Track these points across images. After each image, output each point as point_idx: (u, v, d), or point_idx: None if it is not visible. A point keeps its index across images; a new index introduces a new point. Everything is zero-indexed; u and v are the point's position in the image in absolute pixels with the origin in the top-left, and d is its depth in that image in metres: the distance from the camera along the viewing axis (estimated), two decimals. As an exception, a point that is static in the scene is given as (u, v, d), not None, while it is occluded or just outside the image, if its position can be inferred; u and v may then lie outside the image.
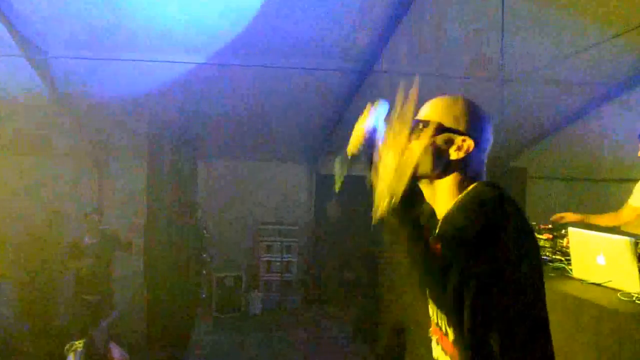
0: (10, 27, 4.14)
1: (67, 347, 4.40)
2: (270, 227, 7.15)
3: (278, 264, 7.08)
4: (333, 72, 5.28)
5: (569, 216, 3.75)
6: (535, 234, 3.38)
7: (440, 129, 1.34)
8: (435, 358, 1.44)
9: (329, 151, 7.04)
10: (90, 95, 5.34)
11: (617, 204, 4.05)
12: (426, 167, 1.34)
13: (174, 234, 5.23)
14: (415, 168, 1.30)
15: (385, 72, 5.31)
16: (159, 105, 5.54)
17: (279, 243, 7.08)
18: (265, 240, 7.07)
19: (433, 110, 1.38)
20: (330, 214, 6.91)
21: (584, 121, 6.37)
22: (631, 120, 5.46)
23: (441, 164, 1.34)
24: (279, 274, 7.07)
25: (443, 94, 1.43)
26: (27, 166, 6.21)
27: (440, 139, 1.34)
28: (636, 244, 2.40)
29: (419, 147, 1.31)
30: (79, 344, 4.49)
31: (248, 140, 6.67)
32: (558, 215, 3.79)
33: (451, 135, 1.34)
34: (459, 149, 1.34)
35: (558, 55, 4.98)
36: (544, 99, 6.04)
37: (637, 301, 2.26)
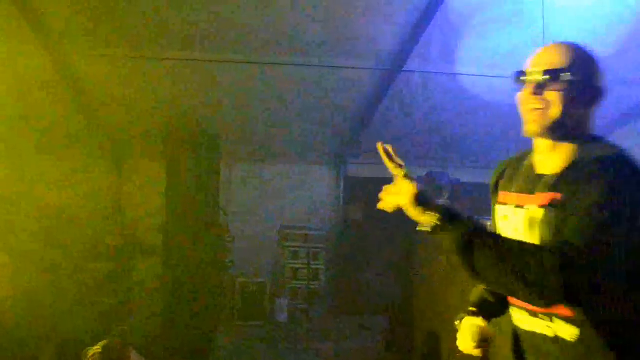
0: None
1: (84, 351, 4.23)
2: (296, 232, 6.90)
3: (304, 271, 6.82)
4: (362, 72, 5.13)
5: None
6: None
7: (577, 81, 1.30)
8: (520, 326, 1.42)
9: (357, 154, 6.80)
10: (111, 95, 5.23)
11: None
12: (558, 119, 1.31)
13: (195, 238, 5.05)
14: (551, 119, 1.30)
15: (413, 72, 5.14)
16: (181, 106, 5.42)
17: (305, 249, 6.84)
18: (291, 246, 6.83)
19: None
20: (353, 216, 6.68)
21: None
22: None
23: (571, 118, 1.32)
24: (306, 282, 6.82)
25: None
26: (46, 165, 6.09)
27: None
28: None
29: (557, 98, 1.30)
30: (97, 349, 4.34)
31: (274, 142, 6.50)
32: None
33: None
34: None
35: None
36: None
37: None
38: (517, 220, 1.37)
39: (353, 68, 5.06)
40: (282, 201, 7.11)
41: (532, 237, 1.28)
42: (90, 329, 4.83)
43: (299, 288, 6.82)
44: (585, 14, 4.34)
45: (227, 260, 6.38)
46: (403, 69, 5.04)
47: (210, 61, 4.74)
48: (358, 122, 6.14)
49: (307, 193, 7.24)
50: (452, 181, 6.24)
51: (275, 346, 5.71)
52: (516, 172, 1.46)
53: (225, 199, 6.68)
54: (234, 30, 4.44)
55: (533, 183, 1.36)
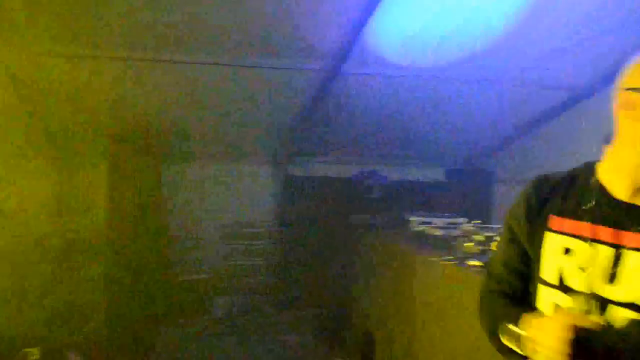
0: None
1: (19, 355, 4.24)
2: (237, 230, 7.05)
3: (246, 267, 6.98)
4: (301, 72, 5.25)
5: None
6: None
7: None
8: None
9: (296, 152, 6.99)
10: (57, 94, 5.18)
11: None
12: None
13: (137, 237, 5.12)
14: None
15: (353, 73, 5.33)
16: (126, 106, 5.42)
17: (246, 246, 6.99)
18: (233, 244, 6.97)
19: None
20: (291, 214, 6.87)
21: (554, 124, 6.48)
22: (598, 124, 5.54)
23: None
24: (247, 278, 6.97)
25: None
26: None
27: None
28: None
29: None
30: (34, 352, 4.33)
31: (214, 141, 6.58)
32: None
33: None
34: None
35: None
36: (515, 101, 6.11)
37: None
38: (600, 260, 1.14)
39: (292, 69, 5.18)
40: (222, 200, 7.21)
41: (633, 288, 1.09)
42: (32, 331, 4.83)
43: (241, 284, 6.97)
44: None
45: (169, 259, 6.45)
46: (342, 69, 5.20)
47: (155, 61, 4.75)
48: (297, 122, 6.30)
49: (247, 192, 7.36)
50: (383, 180, 6.49)
51: (217, 342, 5.81)
52: (574, 194, 1.26)
53: (166, 198, 6.75)
54: (174, 30, 4.45)
55: (621, 215, 1.15)
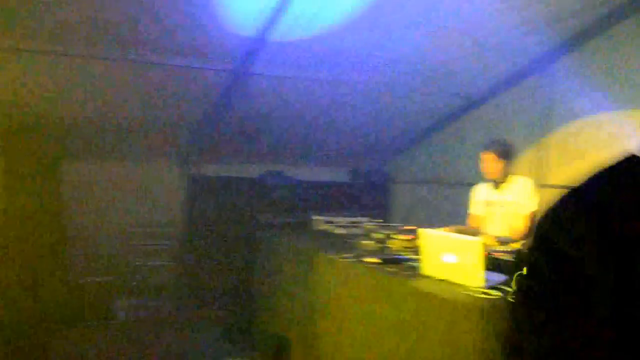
0: None
1: None
2: (140, 229, 6.92)
3: (148, 268, 6.87)
4: (209, 72, 5.26)
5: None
6: (399, 235, 3.60)
7: None
8: None
9: (203, 152, 6.98)
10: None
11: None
12: None
13: (36, 238, 4.92)
14: None
15: (259, 74, 5.41)
16: (25, 101, 5.18)
17: (149, 247, 6.89)
18: (135, 244, 6.84)
19: None
20: (198, 213, 6.85)
21: (451, 127, 6.89)
22: (490, 127, 5.99)
23: None
24: (151, 279, 6.87)
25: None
26: None
27: None
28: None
29: None
30: None
31: (116, 140, 6.42)
32: None
33: None
34: None
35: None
36: (413, 106, 6.44)
37: (478, 295, 2.49)
38: None
39: (200, 68, 5.18)
40: (127, 199, 7.06)
41: None
42: None
43: (144, 285, 6.86)
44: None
45: (69, 261, 6.23)
46: (251, 70, 5.25)
47: (55, 54, 4.58)
48: (205, 121, 6.29)
49: (153, 191, 7.25)
50: (289, 180, 6.63)
51: (119, 346, 5.69)
52: None
53: (68, 197, 6.51)
54: (77, 23, 4.32)
55: None
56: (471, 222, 4.38)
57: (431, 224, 4.09)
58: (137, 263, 6.83)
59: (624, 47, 4.73)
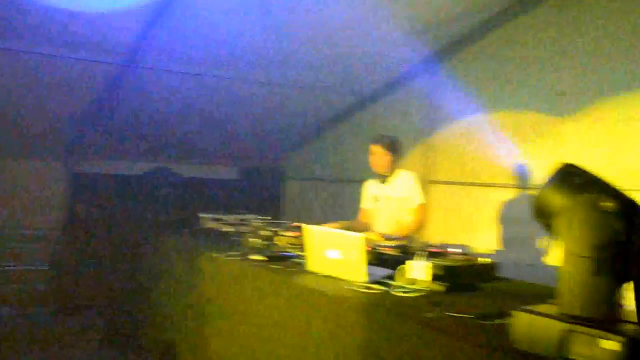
0: None
1: None
2: (14, 232, 6.39)
3: (21, 273, 6.36)
4: (92, 65, 4.98)
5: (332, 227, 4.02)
6: (286, 232, 3.55)
7: None
8: None
9: (84, 147, 6.59)
10: None
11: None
12: None
13: None
14: None
15: (147, 68, 5.19)
16: None
17: (25, 250, 6.39)
18: (8, 247, 6.31)
19: None
20: (78, 213, 6.47)
21: (344, 124, 6.98)
22: (382, 126, 6.12)
23: None
24: (24, 285, 6.37)
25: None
26: None
27: None
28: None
29: None
30: None
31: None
32: None
33: None
34: None
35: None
36: (306, 103, 6.44)
37: (361, 289, 2.49)
38: None
39: (85, 60, 4.89)
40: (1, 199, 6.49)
41: None
42: None
43: (15, 292, 6.33)
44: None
45: None
46: (137, 64, 5.02)
47: None
48: (88, 116, 5.94)
49: (30, 189, 6.73)
50: (176, 178, 6.43)
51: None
52: None
53: None
54: None
55: None
56: (362, 217, 4.42)
57: (326, 220, 4.10)
58: (8, 267, 6.29)
59: (497, 54, 5.10)
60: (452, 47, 5.40)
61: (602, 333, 1.46)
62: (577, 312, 1.53)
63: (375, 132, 4.84)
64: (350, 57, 5.34)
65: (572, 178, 1.58)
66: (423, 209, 4.12)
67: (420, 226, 4.15)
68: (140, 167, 6.91)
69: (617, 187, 1.56)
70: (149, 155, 7.00)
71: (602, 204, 1.42)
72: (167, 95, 5.77)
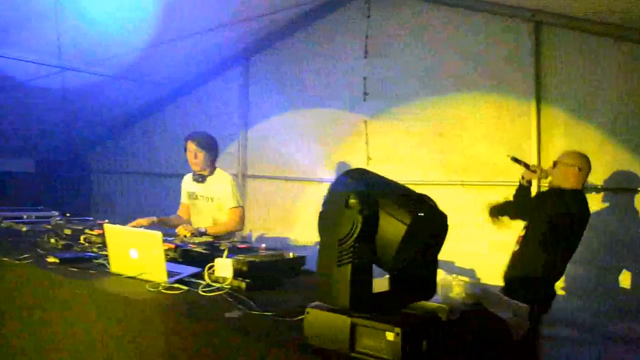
0: None
1: None
2: None
3: None
4: None
5: (142, 222, 3.78)
6: (88, 230, 3.27)
7: None
8: None
9: None
10: None
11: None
12: None
13: None
14: None
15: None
16: None
17: None
18: None
19: None
20: None
21: (152, 117, 6.71)
22: (193, 120, 5.96)
23: None
24: None
25: None
26: None
27: None
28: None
29: None
30: None
31: None
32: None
33: None
34: None
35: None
36: (116, 95, 6.09)
37: (162, 290, 2.37)
38: None
39: None
40: None
41: None
42: None
43: None
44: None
45: None
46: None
47: None
48: None
49: None
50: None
51: None
52: None
53: None
54: None
55: None
56: (181, 213, 4.29)
57: (142, 216, 3.87)
58: None
59: (306, 52, 5.32)
60: (261, 43, 5.50)
61: (382, 325, 1.53)
62: (329, 303, 1.62)
63: (187, 126, 4.74)
64: (160, 49, 5.14)
65: (347, 179, 1.67)
66: (238, 211, 4.10)
67: (236, 227, 4.14)
68: None
69: (401, 190, 1.66)
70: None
71: (349, 200, 1.52)
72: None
